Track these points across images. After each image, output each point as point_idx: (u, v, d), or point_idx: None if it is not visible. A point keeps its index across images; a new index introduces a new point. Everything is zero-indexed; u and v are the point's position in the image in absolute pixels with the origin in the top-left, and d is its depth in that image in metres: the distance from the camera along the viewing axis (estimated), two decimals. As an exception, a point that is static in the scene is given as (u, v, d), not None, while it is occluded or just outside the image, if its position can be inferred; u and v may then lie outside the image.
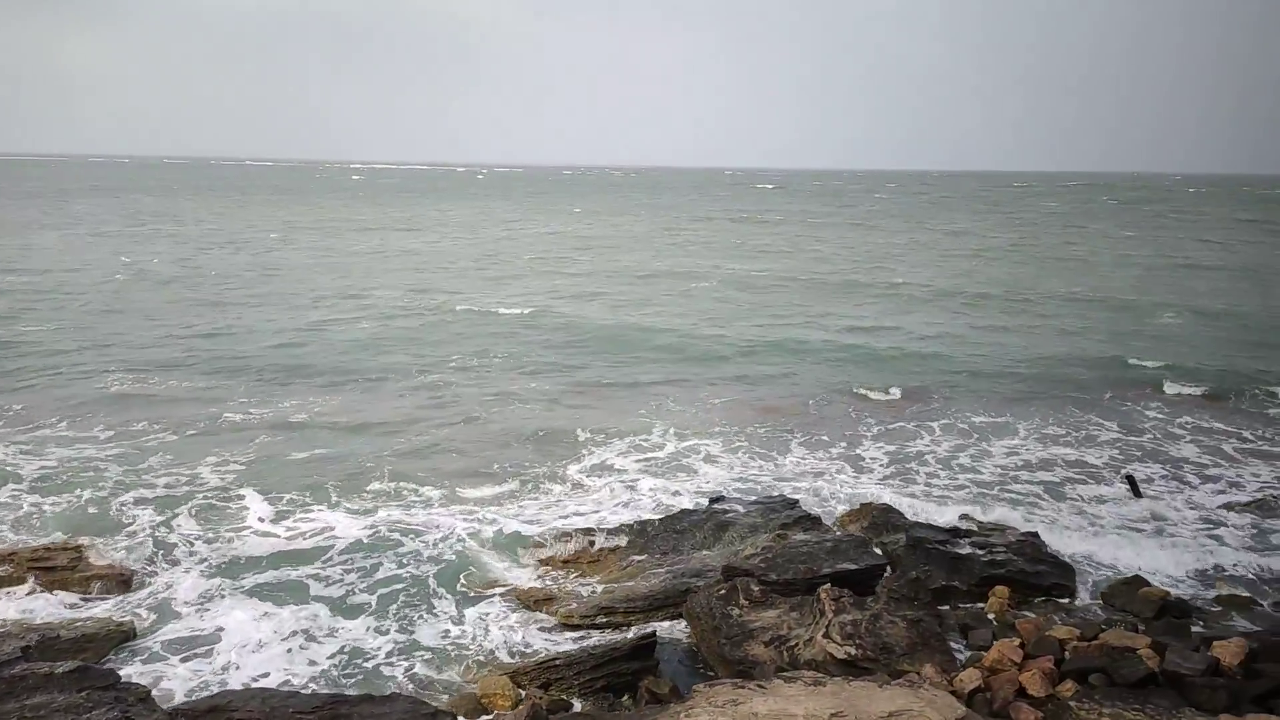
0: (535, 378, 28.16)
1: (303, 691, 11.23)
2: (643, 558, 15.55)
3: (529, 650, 12.76)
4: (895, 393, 26.34)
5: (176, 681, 11.88)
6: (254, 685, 11.61)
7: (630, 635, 12.71)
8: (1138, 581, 15.05)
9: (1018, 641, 12.79)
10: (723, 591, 13.17)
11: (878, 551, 15.09)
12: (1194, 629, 13.43)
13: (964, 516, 17.54)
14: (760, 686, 10.79)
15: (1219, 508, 18.44)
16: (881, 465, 20.78)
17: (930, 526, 16.24)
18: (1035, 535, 16.41)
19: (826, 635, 12.21)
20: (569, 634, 13.49)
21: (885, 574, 14.38)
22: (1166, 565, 15.70)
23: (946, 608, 14.37)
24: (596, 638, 13.03)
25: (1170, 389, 27.15)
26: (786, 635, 12.42)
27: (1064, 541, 16.72)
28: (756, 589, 13.28)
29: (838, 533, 15.93)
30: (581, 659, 11.78)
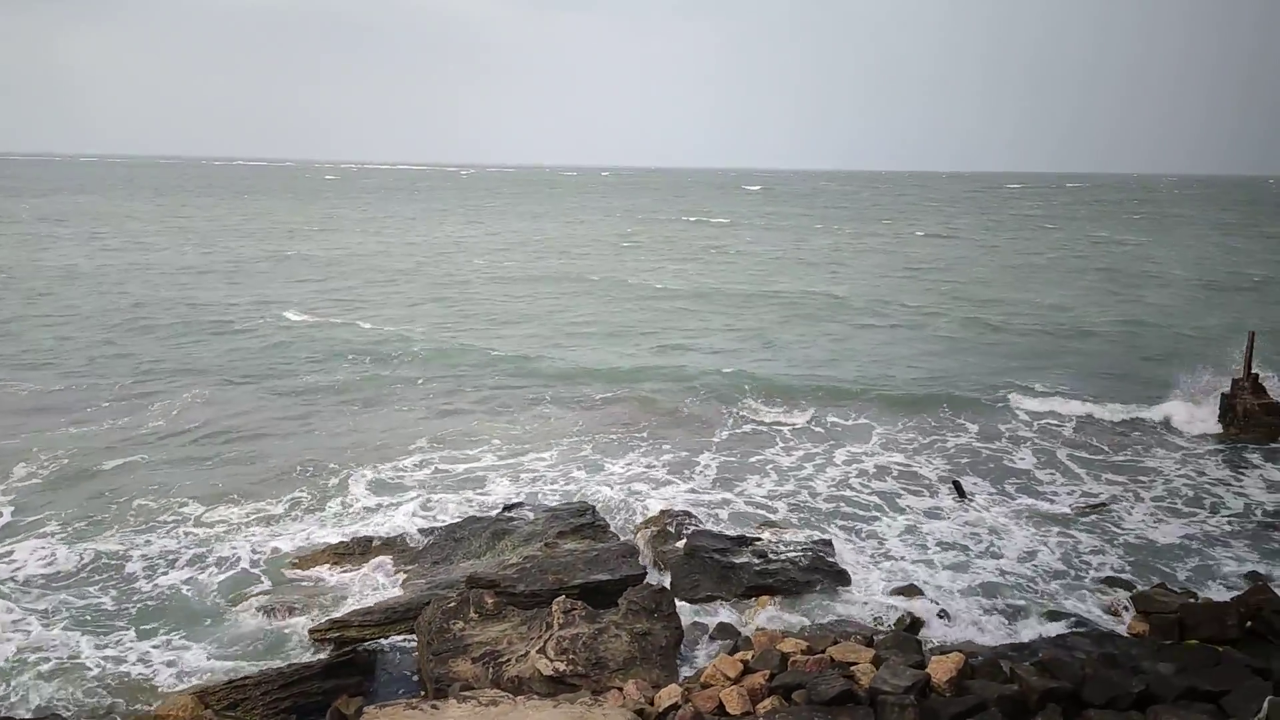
0: (344, 391, 26.86)
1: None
2: (412, 567, 15.08)
3: (236, 670, 12.20)
4: (758, 404, 25.58)
5: None
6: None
7: (326, 654, 12.20)
8: (911, 590, 14.65)
9: (750, 654, 12.36)
10: (452, 604, 12.70)
11: (642, 562, 14.61)
12: (944, 641, 12.98)
13: (765, 524, 17.07)
14: (434, 707, 10.38)
15: (1033, 518, 18.01)
16: (713, 473, 20.31)
17: (714, 535, 15.80)
18: (828, 543, 15.97)
19: (541, 651, 11.77)
20: (325, 648, 12.94)
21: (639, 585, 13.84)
22: (940, 576, 15.25)
23: (710, 618, 13.86)
24: (313, 654, 12.52)
25: (1033, 402, 26.48)
26: (502, 651, 11.96)
27: (860, 549, 16.29)
28: (490, 601, 12.82)
29: (621, 540, 15.43)
30: (270, 678, 11.32)
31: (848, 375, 29.37)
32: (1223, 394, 24.93)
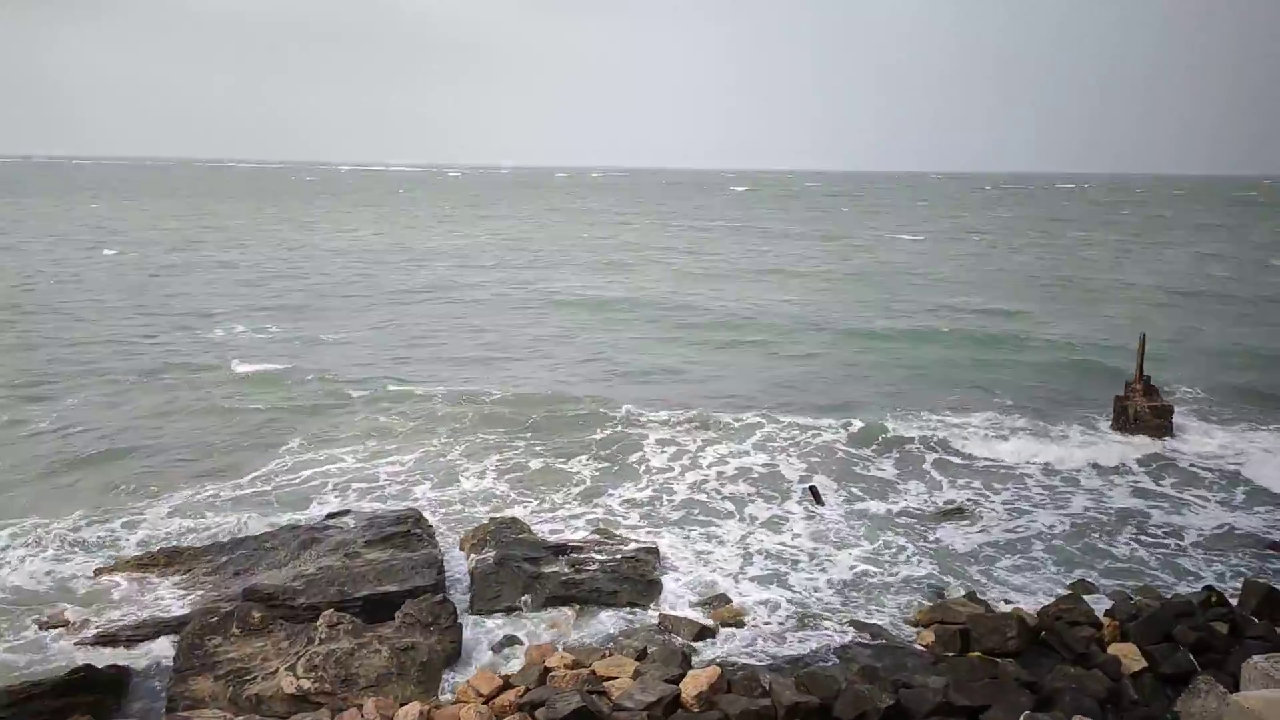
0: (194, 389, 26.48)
1: None
2: (212, 578, 14.66)
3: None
4: (640, 409, 25.13)
5: None
6: None
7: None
8: (720, 600, 14.27)
9: (515, 668, 11.99)
10: (215, 619, 12.29)
11: (437, 573, 14.17)
12: (728, 653, 12.59)
13: (598, 530, 16.67)
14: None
15: (881, 525, 17.69)
16: (577, 478, 19.89)
17: (531, 543, 15.40)
18: (654, 551, 15.59)
19: (291, 668, 11.36)
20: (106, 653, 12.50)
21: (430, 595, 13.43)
22: (759, 585, 14.86)
23: (506, 630, 13.45)
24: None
25: (900, 405, 26.15)
26: (252, 669, 11.56)
27: (691, 556, 15.91)
28: (258, 616, 12.43)
29: (428, 551, 14.95)
30: (-3, 694, 10.88)
31: (733, 379, 29.01)
32: (1116, 397, 24.62)
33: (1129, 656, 12.12)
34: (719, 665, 11.45)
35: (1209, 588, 14.09)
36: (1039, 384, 28.79)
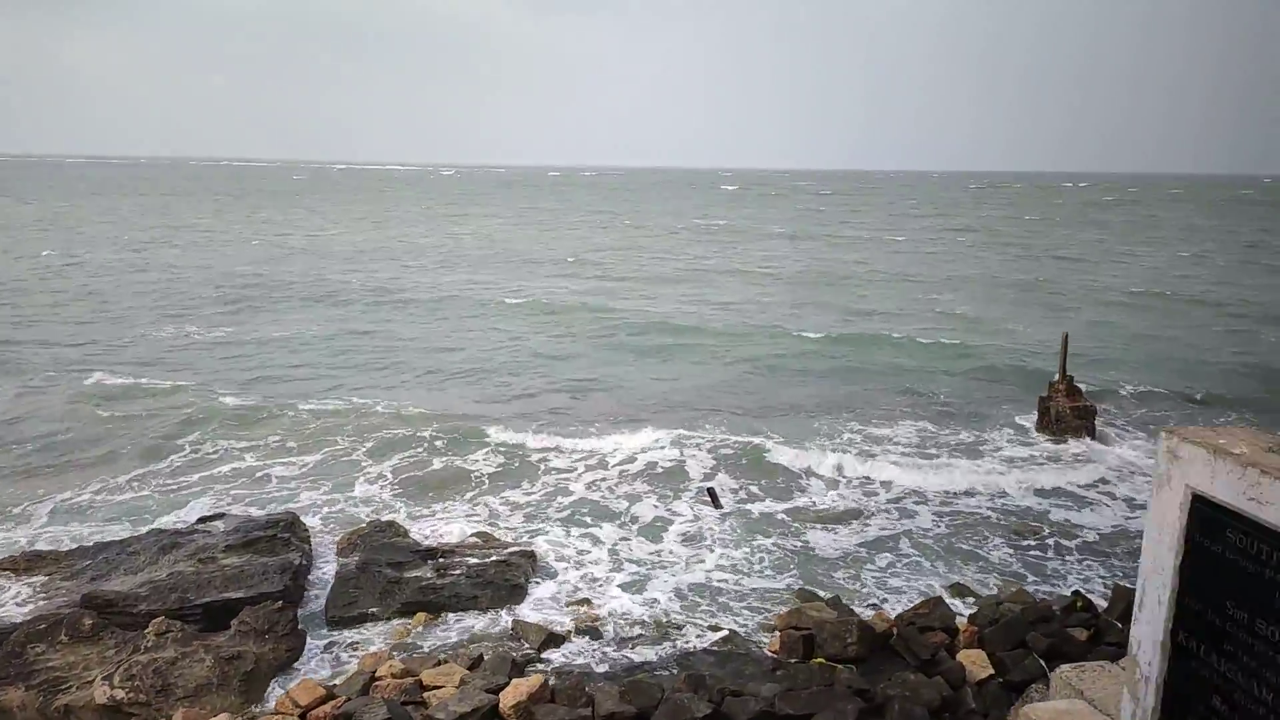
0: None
1: None
2: (68, 583, 14.38)
3: None
4: (549, 413, 24.87)
5: None
6: None
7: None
8: (582, 605, 14.03)
9: (348, 676, 11.72)
10: (43, 626, 12.02)
11: (289, 579, 13.88)
12: (571, 661, 12.32)
13: (478, 533, 16.41)
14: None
15: (776, 526, 17.49)
16: (474, 479, 19.64)
17: (398, 547, 15.17)
18: (530, 555, 15.35)
19: (108, 678, 11.07)
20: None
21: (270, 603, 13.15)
22: (628, 589, 14.60)
23: (357, 636, 13.18)
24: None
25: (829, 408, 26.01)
26: (69, 678, 11.28)
27: (568, 560, 15.67)
28: (89, 623, 12.15)
29: (285, 556, 14.65)
30: None
31: (661, 384, 28.75)
32: (1040, 397, 24.38)
33: (976, 663, 11.88)
34: (555, 673, 11.22)
35: (1076, 592, 13.89)
36: (975, 387, 28.55)
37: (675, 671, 11.80)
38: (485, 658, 11.90)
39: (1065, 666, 9.27)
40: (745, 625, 13.50)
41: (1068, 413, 23.41)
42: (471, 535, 16.33)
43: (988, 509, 18.48)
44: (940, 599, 13.68)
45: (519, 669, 11.57)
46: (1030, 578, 15.60)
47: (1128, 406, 26.44)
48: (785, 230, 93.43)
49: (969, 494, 19.27)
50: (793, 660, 11.91)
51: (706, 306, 43.61)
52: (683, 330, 37.06)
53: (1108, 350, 33.42)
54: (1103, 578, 15.59)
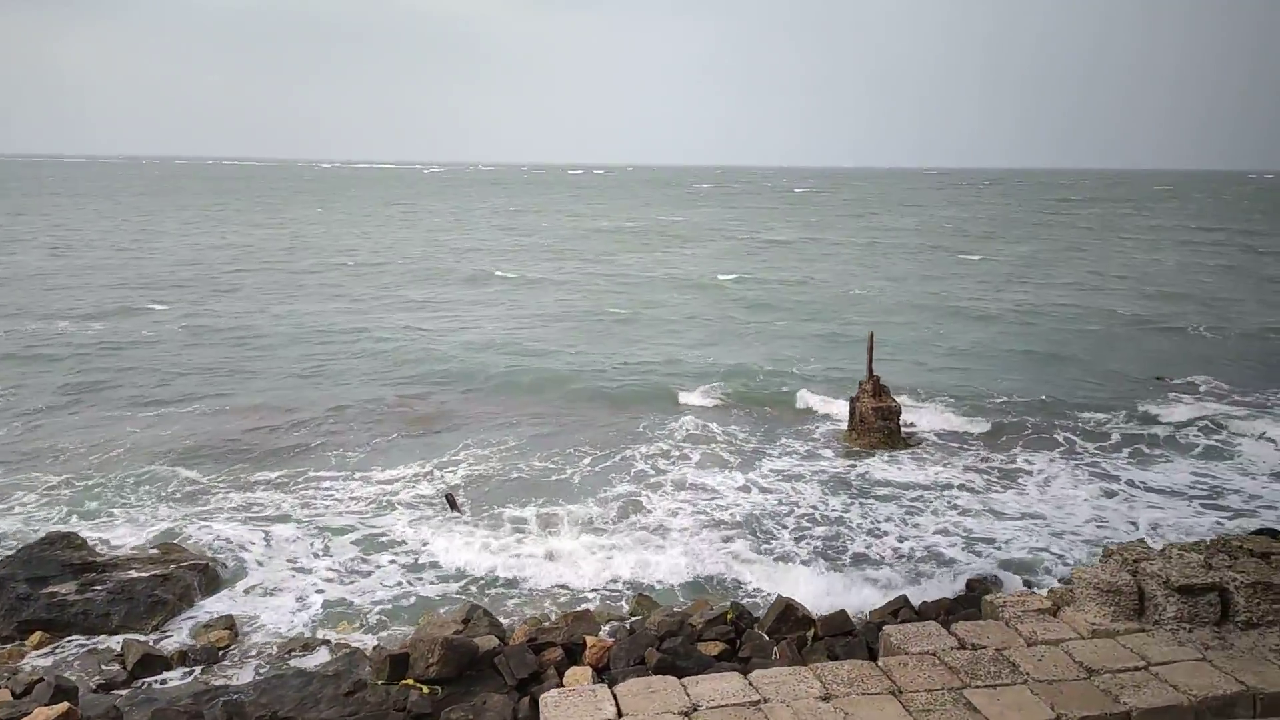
0: None
1: None
2: None
3: None
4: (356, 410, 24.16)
5: None
6: None
7: None
8: (219, 625, 13.31)
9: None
10: None
11: None
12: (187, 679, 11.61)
13: (162, 545, 15.71)
14: None
15: (506, 535, 16.76)
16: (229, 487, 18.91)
17: (54, 560, 14.40)
18: (203, 569, 14.68)
19: None
20: None
21: None
22: (277, 603, 13.89)
23: None
24: None
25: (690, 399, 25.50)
26: None
27: (259, 571, 15.00)
28: None
29: None
30: None
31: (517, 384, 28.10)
32: (851, 399, 23.79)
33: (580, 681, 11.22)
34: (129, 699, 10.52)
35: (733, 604, 13.25)
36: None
37: (252, 694, 11.10)
38: (43, 682, 11.18)
39: (553, 692, 8.65)
40: (384, 640, 12.83)
41: (870, 414, 22.84)
42: (154, 548, 15.61)
43: (729, 511, 17.86)
44: (585, 613, 13.04)
45: (70, 694, 10.84)
46: (746, 586, 14.97)
47: (954, 411, 25.53)
48: (709, 226, 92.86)
49: (718, 498, 18.63)
50: (379, 682, 11.23)
51: (564, 331, 42.96)
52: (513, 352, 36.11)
53: (956, 360, 32.50)
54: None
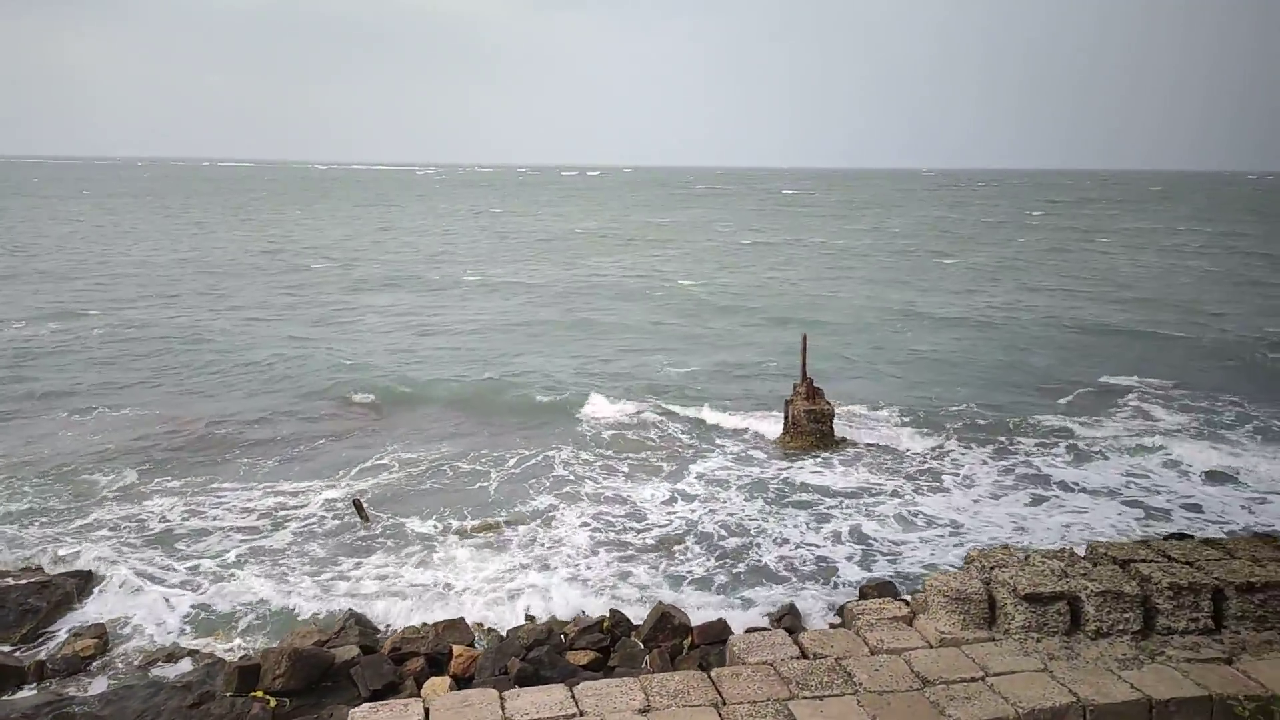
0: None
1: None
2: None
3: None
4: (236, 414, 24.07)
5: None
6: None
7: None
8: (93, 630, 13.08)
9: None
10: None
11: None
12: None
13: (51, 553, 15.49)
14: None
15: (407, 541, 16.61)
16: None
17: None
18: (87, 575, 14.40)
19: None
20: None
21: None
22: (153, 614, 13.68)
23: None
24: None
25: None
26: None
27: (144, 580, 14.74)
28: None
29: None
30: None
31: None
32: (785, 401, 23.61)
33: (436, 691, 11.01)
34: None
35: (613, 610, 13.04)
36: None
37: (96, 706, 10.88)
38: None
39: (361, 708, 8.44)
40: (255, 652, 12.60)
41: (802, 416, 22.66)
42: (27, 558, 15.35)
43: (639, 518, 17.67)
44: (458, 622, 12.82)
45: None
46: (651, 594, 14.73)
47: (899, 417, 25.32)
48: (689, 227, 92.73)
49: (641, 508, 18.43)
50: (228, 694, 11.01)
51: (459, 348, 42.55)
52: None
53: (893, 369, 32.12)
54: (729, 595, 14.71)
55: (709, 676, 8.99)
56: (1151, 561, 10.11)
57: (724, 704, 8.52)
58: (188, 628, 13.36)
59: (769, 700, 8.55)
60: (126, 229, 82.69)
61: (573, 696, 8.59)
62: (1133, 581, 9.69)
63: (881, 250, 73.56)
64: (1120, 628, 9.47)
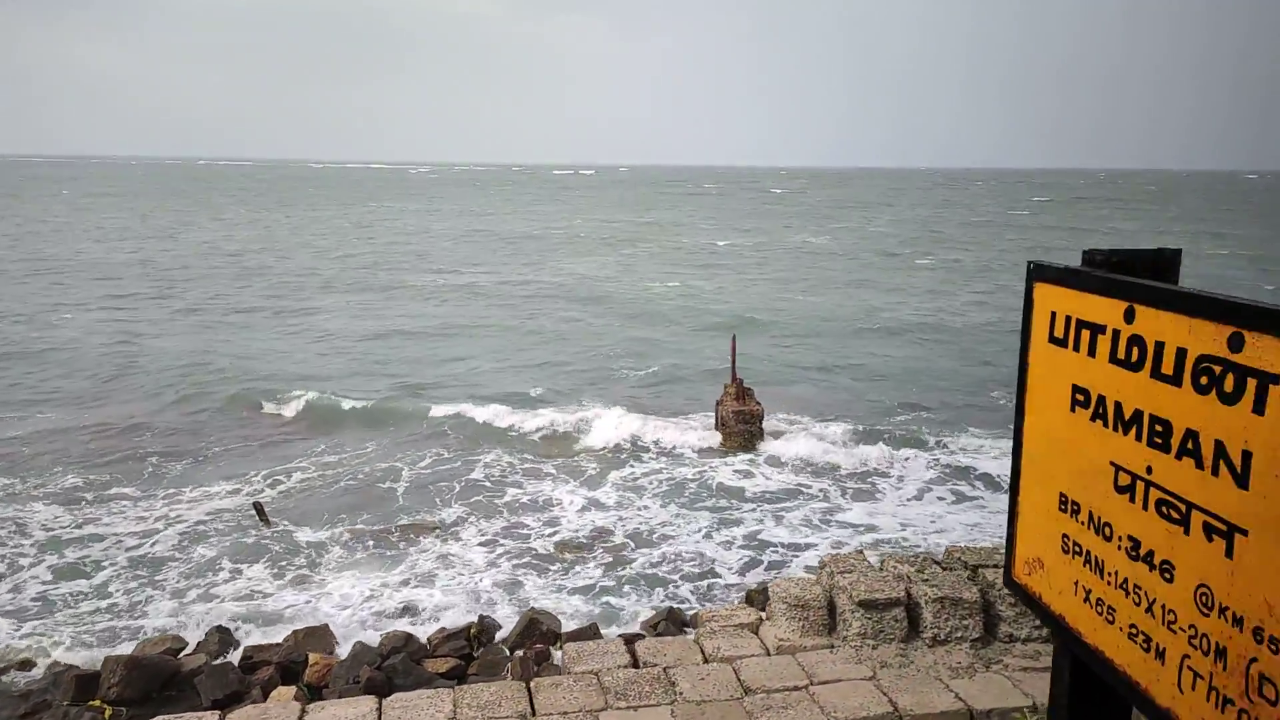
0: None
1: None
2: None
3: None
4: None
5: None
6: None
7: None
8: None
9: None
10: None
11: None
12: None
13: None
14: None
15: (324, 546, 16.37)
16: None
17: None
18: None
19: None
20: None
21: None
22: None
23: None
24: None
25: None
26: None
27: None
28: None
29: None
30: None
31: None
32: (716, 402, 23.44)
33: (284, 700, 10.79)
34: None
35: (483, 616, 12.84)
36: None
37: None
38: None
39: (237, 713, 8.27)
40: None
41: (730, 417, 22.48)
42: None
43: (564, 523, 17.47)
44: (321, 629, 12.61)
45: None
46: (531, 601, 14.53)
47: (836, 421, 25.14)
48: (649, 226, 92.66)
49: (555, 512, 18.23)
50: (65, 703, 10.79)
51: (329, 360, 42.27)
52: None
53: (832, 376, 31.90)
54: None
55: (526, 687, 8.80)
56: (1000, 567, 9.93)
57: (533, 715, 8.33)
58: (44, 632, 13.13)
59: (580, 711, 8.35)
60: (91, 228, 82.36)
61: (378, 709, 8.40)
62: (974, 587, 9.52)
63: (857, 249, 73.48)
64: (959, 635, 9.29)
